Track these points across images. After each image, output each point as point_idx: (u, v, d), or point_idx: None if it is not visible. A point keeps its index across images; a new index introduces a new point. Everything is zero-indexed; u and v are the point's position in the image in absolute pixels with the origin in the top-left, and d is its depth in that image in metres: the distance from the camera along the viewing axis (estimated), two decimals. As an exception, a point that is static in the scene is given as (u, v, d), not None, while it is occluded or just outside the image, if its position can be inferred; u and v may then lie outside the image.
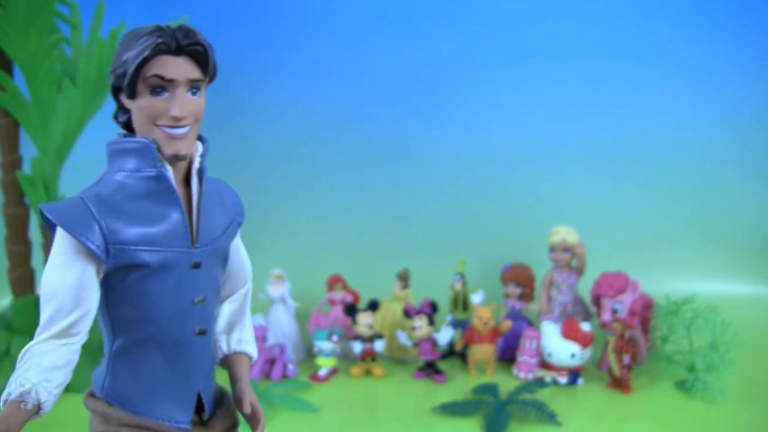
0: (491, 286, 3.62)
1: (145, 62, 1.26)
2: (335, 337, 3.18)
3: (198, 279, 1.37)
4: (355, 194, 4.16)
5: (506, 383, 3.07)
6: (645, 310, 3.27)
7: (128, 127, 1.37)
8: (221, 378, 1.52)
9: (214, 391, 1.51)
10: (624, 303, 3.14)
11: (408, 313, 3.23)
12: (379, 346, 3.21)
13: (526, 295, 3.46)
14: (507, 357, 3.35)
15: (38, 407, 1.23)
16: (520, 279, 3.44)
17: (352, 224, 4.15)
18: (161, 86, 1.28)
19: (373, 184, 4.15)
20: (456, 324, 3.39)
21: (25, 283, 3.14)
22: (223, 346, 1.52)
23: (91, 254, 1.27)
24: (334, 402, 2.98)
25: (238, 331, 1.54)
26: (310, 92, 4.12)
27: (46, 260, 1.31)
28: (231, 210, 1.48)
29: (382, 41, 4.08)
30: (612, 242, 3.97)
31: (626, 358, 3.02)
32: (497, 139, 4.10)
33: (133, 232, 1.29)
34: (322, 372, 3.18)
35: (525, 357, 3.20)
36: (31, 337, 1.28)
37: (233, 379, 1.50)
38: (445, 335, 3.24)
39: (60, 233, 1.28)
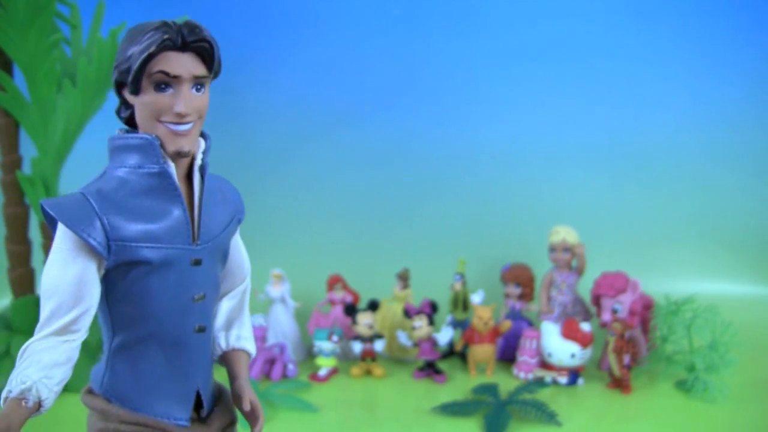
0: (491, 286, 3.61)
1: (150, 58, 1.25)
2: (335, 337, 3.18)
3: (198, 276, 1.37)
4: (355, 194, 4.16)
5: (506, 383, 3.07)
6: (645, 310, 3.27)
7: (130, 123, 1.36)
8: (220, 375, 1.52)
9: (213, 388, 1.51)
10: (624, 303, 3.14)
11: (408, 313, 3.23)
12: (379, 346, 3.21)
13: (526, 295, 3.46)
14: (507, 357, 3.35)
15: (39, 404, 1.22)
16: (520, 279, 3.44)
17: (352, 224, 4.15)
18: (166, 82, 1.27)
19: (373, 184, 4.15)
20: (456, 324, 3.39)
21: (25, 283, 3.14)
22: (222, 342, 1.52)
23: (92, 250, 1.27)
24: (334, 402, 2.98)
25: (236, 328, 1.54)
26: (310, 92, 4.12)
27: (46, 260, 1.30)
28: (232, 207, 1.47)
29: (382, 41, 4.08)
30: (612, 242, 3.98)
31: (626, 358, 3.02)
32: (497, 139, 4.10)
33: (134, 228, 1.28)
34: (322, 372, 3.18)
35: (525, 357, 3.20)
36: (31, 336, 1.28)
37: (232, 376, 1.50)
38: (445, 335, 3.24)
39: (61, 229, 1.27)
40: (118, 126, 1.39)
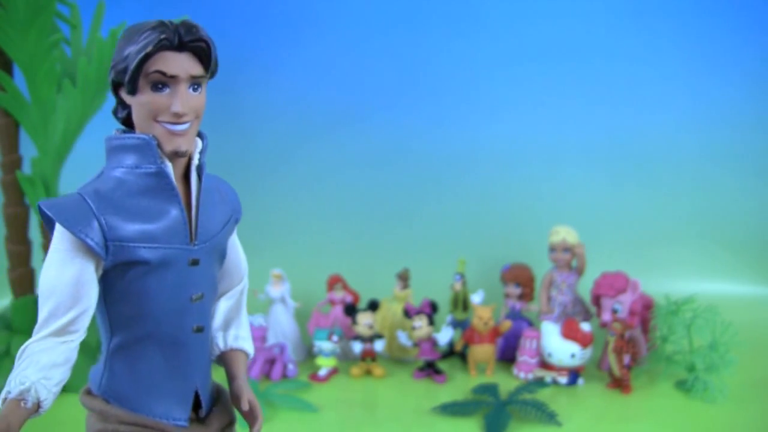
0: (491, 286, 3.61)
1: (147, 58, 1.25)
2: (335, 337, 3.18)
3: (196, 276, 1.37)
4: (355, 194, 4.16)
5: (506, 383, 3.07)
6: (645, 310, 3.27)
7: (127, 123, 1.36)
8: (218, 376, 1.52)
9: (212, 388, 1.51)
10: (624, 303, 3.14)
11: (408, 313, 3.23)
12: (379, 346, 3.21)
13: (526, 295, 3.46)
14: (507, 357, 3.35)
15: (38, 405, 1.22)
16: (520, 279, 3.44)
17: (352, 224, 4.15)
18: (163, 82, 1.27)
19: (373, 184, 4.15)
20: (456, 324, 3.39)
21: (25, 283, 3.14)
22: (220, 343, 1.52)
23: (89, 251, 1.26)
24: (334, 402, 2.98)
25: (234, 328, 1.54)
26: (310, 92, 4.12)
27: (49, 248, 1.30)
28: (229, 206, 1.47)
29: (383, 41, 4.08)
30: (612, 242, 3.98)
31: (626, 358, 3.02)
32: (497, 139, 4.10)
33: (132, 228, 1.28)
34: (322, 372, 3.18)
35: (525, 357, 3.20)
36: (31, 336, 1.28)
37: (230, 376, 1.50)
38: (445, 335, 3.24)
39: (59, 230, 1.27)
40: (118, 126, 1.39)
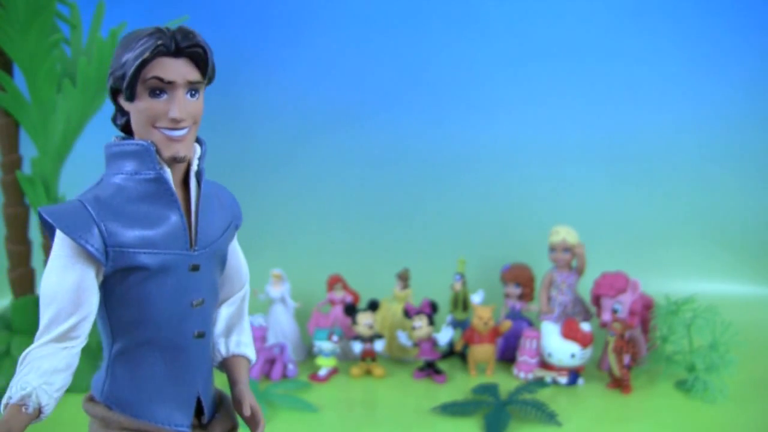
0: (491, 286, 3.61)
1: (144, 64, 1.26)
2: (335, 337, 3.18)
3: (197, 281, 1.37)
4: (355, 194, 4.16)
5: (506, 383, 3.07)
6: (645, 310, 3.27)
7: (126, 130, 1.37)
8: (220, 381, 1.52)
9: (214, 394, 1.51)
10: (624, 303, 3.14)
11: (408, 313, 3.23)
12: (379, 346, 3.21)
13: (526, 295, 3.46)
14: (507, 357, 3.35)
15: (39, 411, 1.23)
16: (520, 279, 3.44)
17: (352, 224, 4.15)
18: (160, 88, 1.28)
19: (373, 184, 4.15)
20: (456, 324, 3.39)
21: (25, 283, 3.14)
22: (222, 349, 1.52)
23: (90, 257, 1.27)
24: (334, 402, 2.98)
25: (236, 334, 1.54)
26: (310, 92, 4.11)
27: (46, 260, 1.31)
28: (229, 213, 1.48)
29: (383, 41, 4.08)
30: (612, 242, 3.97)
31: (626, 358, 3.02)
32: (497, 139, 4.10)
33: (132, 234, 1.29)
34: (322, 372, 3.18)
35: (525, 357, 3.20)
36: (31, 336, 1.28)
37: (232, 382, 1.50)
38: (445, 335, 3.24)
39: (59, 236, 1.28)
40: (116, 129, 1.39)
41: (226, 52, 3.95)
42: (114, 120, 1.38)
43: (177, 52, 1.28)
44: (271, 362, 3.17)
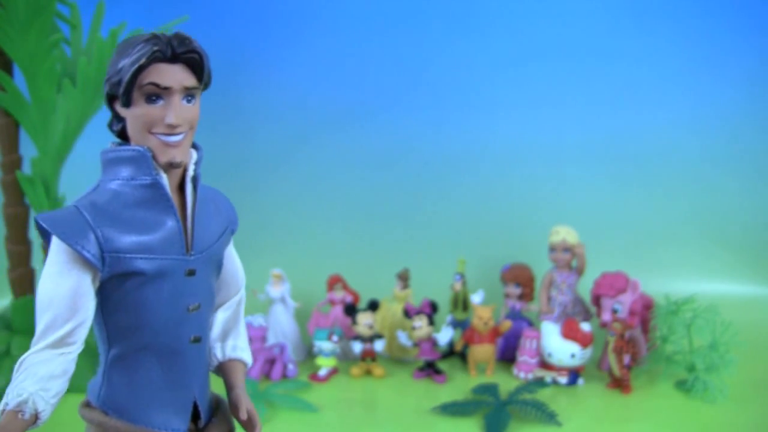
0: (491, 286, 3.61)
1: (140, 70, 1.26)
2: (335, 337, 3.18)
3: (193, 286, 1.38)
4: (356, 194, 4.16)
5: (506, 383, 3.07)
6: (645, 310, 3.27)
7: (123, 136, 1.37)
8: (217, 386, 1.52)
9: (210, 398, 1.51)
10: (624, 303, 3.14)
11: (408, 313, 3.23)
12: (379, 346, 3.21)
13: (526, 295, 3.46)
14: (507, 357, 3.35)
15: (36, 417, 1.23)
16: (520, 279, 3.44)
17: (352, 224, 4.15)
18: (157, 94, 1.28)
19: (374, 184, 4.15)
20: (456, 324, 3.39)
21: (25, 283, 3.14)
22: (218, 353, 1.52)
23: (86, 263, 1.27)
24: (334, 402, 2.98)
25: (232, 339, 1.54)
26: (310, 92, 4.11)
27: (45, 260, 1.31)
28: (225, 217, 1.48)
29: (383, 42, 4.08)
30: (612, 242, 3.97)
31: (626, 358, 3.02)
32: (497, 139, 4.10)
33: (128, 240, 1.29)
34: (322, 372, 3.18)
35: (525, 357, 3.20)
36: (31, 336, 1.28)
37: (229, 386, 1.50)
38: (445, 335, 3.24)
39: (55, 242, 1.28)
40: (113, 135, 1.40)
41: (226, 52, 3.95)
42: (110, 126, 1.38)
43: (173, 58, 1.28)
44: (271, 362, 3.17)
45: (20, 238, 3.13)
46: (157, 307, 1.33)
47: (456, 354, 3.39)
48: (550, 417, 2.75)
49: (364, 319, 3.21)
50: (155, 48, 1.26)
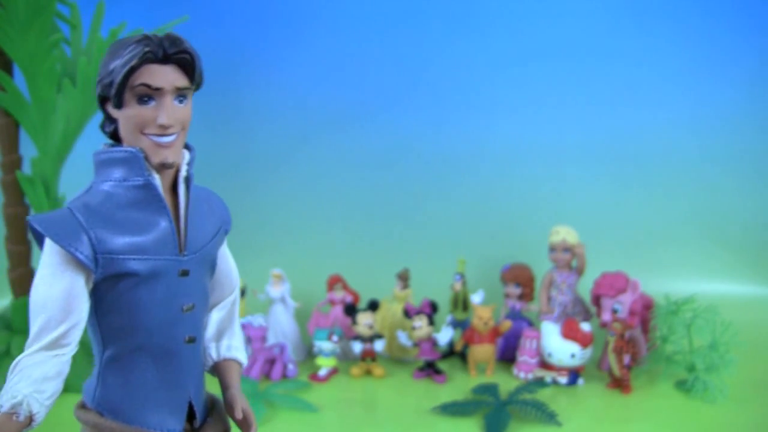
0: (491, 286, 3.61)
1: (132, 71, 1.26)
2: (335, 337, 3.18)
3: (187, 286, 1.38)
4: (356, 194, 4.16)
5: (506, 383, 3.07)
6: (645, 310, 3.27)
7: (115, 137, 1.37)
8: (213, 387, 1.52)
9: (206, 398, 1.51)
10: (624, 303, 3.14)
11: (408, 313, 3.23)
12: (379, 346, 3.21)
13: (526, 295, 3.46)
14: (507, 357, 3.35)
15: (30, 419, 1.23)
16: (520, 279, 3.44)
17: (352, 224, 4.15)
18: (148, 95, 1.28)
19: (374, 184, 4.16)
20: (456, 324, 3.39)
21: (25, 283, 3.14)
22: (213, 353, 1.52)
23: (80, 264, 1.27)
24: (334, 402, 2.98)
25: (227, 338, 1.54)
26: (310, 92, 4.12)
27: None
28: (218, 218, 1.48)
29: (383, 42, 4.09)
30: (612, 242, 3.97)
31: (626, 358, 3.02)
32: (497, 139, 4.10)
33: (121, 241, 1.29)
34: (322, 372, 3.18)
35: (525, 357, 3.20)
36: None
37: (224, 386, 1.50)
38: (445, 335, 3.24)
39: (48, 244, 1.28)
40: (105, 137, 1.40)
41: (226, 52, 3.95)
42: (102, 127, 1.38)
43: (164, 59, 1.28)
44: (271, 362, 3.17)
45: (20, 238, 3.13)
46: (151, 308, 1.33)
47: (456, 354, 3.39)
48: (550, 417, 2.75)
49: (364, 319, 3.21)
50: (147, 49, 1.26)
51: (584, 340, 3.09)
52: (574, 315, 3.33)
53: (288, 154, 4.14)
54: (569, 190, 4.08)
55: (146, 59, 1.26)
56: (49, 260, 1.28)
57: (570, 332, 3.10)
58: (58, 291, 1.26)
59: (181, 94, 1.31)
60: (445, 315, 3.46)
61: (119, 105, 1.29)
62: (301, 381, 3.12)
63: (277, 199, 4.11)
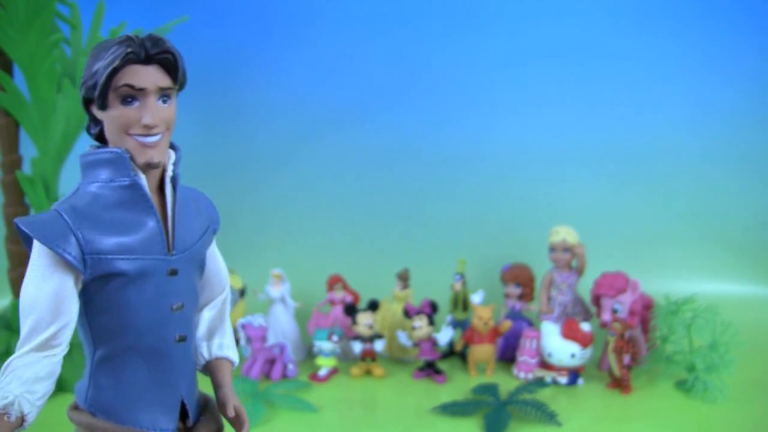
0: (491, 286, 3.61)
1: (115, 72, 1.27)
2: (335, 337, 3.18)
3: (176, 286, 1.38)
4: (356, 194, 4.16)
5: (506, 383, 3.07)
6: (645, 310, 3.27)
7: (101, 139, 1.38)
8: (205, 386, 1.52)
9: (198, 397, 1.52)
10: (624, 303, 3.14)
11: (408, 313, 3.23)
12: (379, 346, 3.21)
13: (526, 295, 3.46)
14: (507, 357, 3.35)
15: (21, 419, 1.24)
16: (520, 279, 3.44)
17: (352, 224, 4.15)
18: (132, 95, 1.29)
19: (374, 184, 4.16)
20: (456, 324, 3.39)
21: (25, 283, 3.13)
22: (204, 352, 1.53)
23: (68, 265, 1.28)
24: (334, 402, 2.98)
25: (218, 337, 1.55)
26: (310, 92, 4.12)
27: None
28: (206, 217, 1.49)
29: (383, 42, 4.09)
30: (612, 242, 3.97)
31: (626, 358, 3.01)
32: (498, 139, 4.10)
33: (109, 241, 1.29)
34: (322, 372, 3.18)
35: (525, 357, 3.20)
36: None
37: (216, 385, 1.51)
38: (445, 335, 3.24)
39: (37, 246, 1.29)
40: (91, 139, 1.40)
41: (226, 52, 3.95)
42: (88, 130, 1.39)
43: (147, 59, 1.29)
44: (271, 362, 3.18)
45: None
46: (141, 308, 1.33)
47: (456, 354, 3.40)
48: (550, 417, 2.75)
49: (364, 319, 3.21)
50: (129, 50, 1.26)
51: (584, 340, 3.09)
52: (574, 315, 3.33)
53: (288, 154, 4.14)
54: (569, 190, 4.07)
55: (129, 60, 1.27)
56: (37, 262, 1.28)
57: (570, 332, 3.10)
58: (47, 292, 1.27)
59: (164, 94, 1.32)
60: (445, 315, 3.46)
61: (103, 106, 1.30)
62: (301, 381, 3.12)
63: (277, 199, 4.11)
